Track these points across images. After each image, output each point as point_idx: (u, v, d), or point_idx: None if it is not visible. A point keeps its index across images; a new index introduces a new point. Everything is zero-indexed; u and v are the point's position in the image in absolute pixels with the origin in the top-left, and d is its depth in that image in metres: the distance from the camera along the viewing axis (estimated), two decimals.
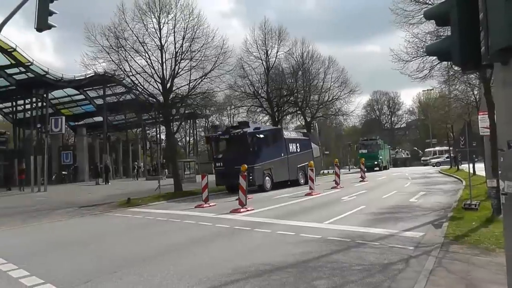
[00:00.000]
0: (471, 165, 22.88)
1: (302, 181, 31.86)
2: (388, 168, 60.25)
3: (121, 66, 28.21)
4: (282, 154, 30.48)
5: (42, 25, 15.44)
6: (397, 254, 9.40)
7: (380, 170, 55.28)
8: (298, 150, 32.51)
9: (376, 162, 55.18)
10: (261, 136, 27.69)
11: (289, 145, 31.61)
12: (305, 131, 37.45)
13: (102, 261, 9.70)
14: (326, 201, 20.78)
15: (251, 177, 25.25)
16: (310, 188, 24.35)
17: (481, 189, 20.59)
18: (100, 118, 57.16)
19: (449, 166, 51.70)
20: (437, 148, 74.39)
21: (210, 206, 20.05)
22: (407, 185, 28.96)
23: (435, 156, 70.63)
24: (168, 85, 28.90)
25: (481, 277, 7.66)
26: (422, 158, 73.92)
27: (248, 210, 17.62)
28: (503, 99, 4.70)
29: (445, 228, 11.94)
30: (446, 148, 70.59)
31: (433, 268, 8.11)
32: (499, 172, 4.87)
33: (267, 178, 28.37)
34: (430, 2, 17.75)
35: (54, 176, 48.02)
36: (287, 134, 32.99)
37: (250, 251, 10.28)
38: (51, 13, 15.53)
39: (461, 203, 16.13)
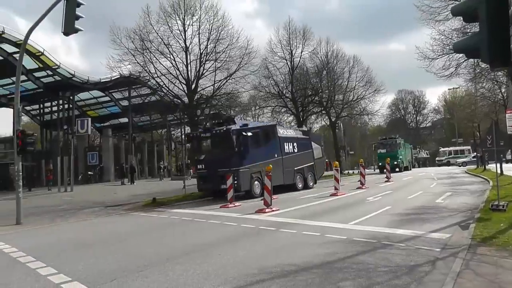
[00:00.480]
0: (498, 165, 22.56)
1: (300, 186, 28.98)
2: (410, 169, 57.81)
3: (146, 68, 28.66)
4: (276, 155, 26.89)
5: (69, 29, 15.73)
6: (424, 255, 9.33)
7: (400, 171, 52.41)
8: (296, 151, 29.01)
9: (395, 162, 51.44)
10: (249, 134, 24.26)
11: (284, 145, 28.13)
12: (305, 129, 33.33)
13: (127, 260, 9.84)
14: (351, 202, 20.72)
15: (235, 182, 22.62)
16: (335, 189, 24.30)
17: (509, 189, 20.27)
18: (125, 119, 57.87)
19: (476, 166, 50.94)
20: (452, 148, 73.78)
21: (235, 206, 20.15)
22: (433, 186, 28.62)
23: (450, 156, 70.15)
24: (193, 86, 29.22)
25: (510, 280, 7.55)
26: (437, 158, 72.95)
27: (273, 210, 17.65)
28: None
29: (472, 230, 11.77)
30: (464, 148, 70.31)
31: (460, 271, 8.01)
32: None
33: (256, 182, 24.72)
34: None
35: (80, 176, 48.76)
36: (282, 132, 29.22)
37: (275, 251, 10.31)
38: (77, 17, 15.80)
39: (489, 204, 15.88)
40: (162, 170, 56.94)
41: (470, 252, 9.35)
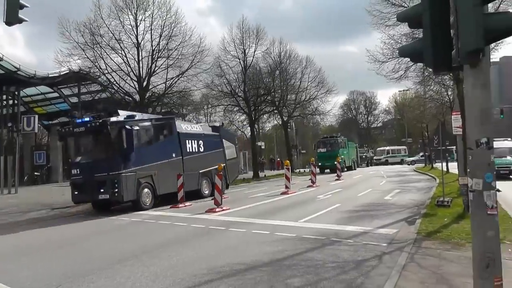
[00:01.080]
0: (444, 164, 23.24)
1: (206, 192, 23.99)
2: (355, 169, 55.42)
3: (96, 64, 28.05)
4: (174, 155, 22.02)
5: (12, 18, 14.63)
6: (371, 250, 9.51)
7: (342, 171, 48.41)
8: (202, 150, 24.13)
9: (336, 163, 45.72)
10: (135, 127, 19.29)
11: (186, 143, 23.13)
12: (217, 124, 27.99)
13: (74, 265, 9.50)
14: (302, 200, 20.88)
15: (115, 190, 18.55)
16: (286, 187, 24.45)
17: (453, 186, 20.93)
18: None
19: (424, 164, 52.54)
20: (389, 147, 77.77)
21: (186, 206, 19.92)
22: (382, 183, 29.28)
23: (388, 155, 73.27)
24: (145, 83, 28.79)
25: (451, 271, 7.81)
26: (375, 157, 74.69)
27: (223, 210, 17.59)
28: (472, 100, 4.83)
29: (418, 225, 12.14)
30: (400, 147, 75.92)
31: (406, 264, 8.22)
32: (468, 170, 4.97)
33: (145, 190, 19.93)
34: (405, 5, 17.97)
35: (26, 177, 47.13)
36: (184, 127, 24.19)
37: (225, 250, 10.25)
38: (22, 6, 14.85)
39: (434, 200, 16.40)
40: None
41: (415, 246, 9.61)
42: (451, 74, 18.30)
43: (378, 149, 79.14)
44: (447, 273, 7.70)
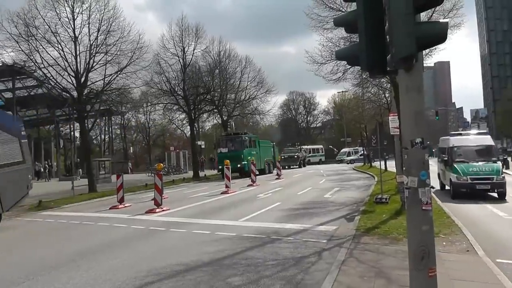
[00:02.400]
0: (382, 162, 23.93)
1: None
2: (270, 172, 46.36)
3: (31, 57, 26.89)
4: None
5: None
6: (311, 247, 9.68)
7: (248, 175, 35.16)
8: None
9: (238, 165, 39.01)
10: None
11: None
12: None
13: (8, 271, 9.03)
14: (242, 199, 20.97)
15: None
16: (226, 187, 24.45)
17: (391, 184, 21.64)
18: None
19: (363, 163, 53.96)
20: (310, 147, 79.44)
21: (125, 207, 19.51)
22: (322, 182, 29.81)
23: (310, 155, 74.07)
24: (83, 79, 27.90)
25: (389, 264, 8.08)
26: (337, 157, 76.19)
27: (163, 210, 17.37)
28: (407, 102, 5.00)
29: (357, 221, 12.46)
30: (318, 146, 78.50)
31: (345, 259, 8.44)
32: (404, 168, 5.13)
33: None
34: (343, 10, 18.31)
35: None
36: None
37: (165, 251, 10.15)
38: None
39: (373, 198, 16.88)
40: (48, 170, 53.96)
41: (354, 242, 9.86)
42: (387, 77, 18.81)
43: (342, 150, 78.87)
44: (385, 266, 7.97)
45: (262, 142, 48.55)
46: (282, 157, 53.64)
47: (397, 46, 4.60)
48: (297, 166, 61.46)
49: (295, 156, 63.22)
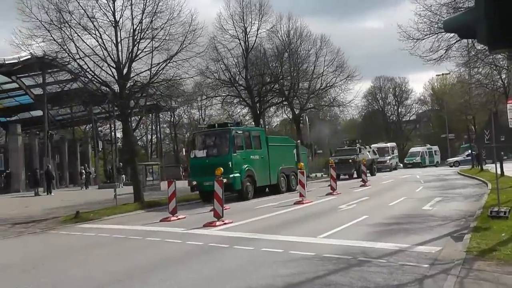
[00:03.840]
0: (498, 165, 23.13)
1: None
2: (291, 189, 33.74)
3: (65, 47, 27.80)
4: None
5: None
6: (409, 273, 9.45)
7: (244, 198, 28.78)
8: None
9: (226, 180, 22.61)
10: None
11: None
12: None
13: None
14: (320, 211, 20.92)
15: None
16: (301, 195, 24.47)
17: (511, 193, 20.85)
18: (39, 112, 56.39)
19: (471, 166, 52.29)
20: (421, 148, 78.21)
21: (179, 219, 19.93)
22: (419, 190, 29.23)
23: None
24: (125, 70, 28.59)
25: None
26: (405, 159, 75.56)
27: (225, 223, 17.59)
28: None
29: (468, 241, 12.00)
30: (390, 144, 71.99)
31: None
32: None
33: None
34: None
35: None
36: None
37: (228, 273, 10.24)
38: None
39: (487, 211, 16.23)
40: (86, 176, 55.91)
41: (465, 268, 9.51)
42: (506, 52, 18.15)
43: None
44: None
45: (274, 140, 35.83)
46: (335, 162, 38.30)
47: None
48: (351, 176, 49.40)
49: (350, 161, 48.49)
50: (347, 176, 50.01)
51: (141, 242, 15.26)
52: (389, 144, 71.88)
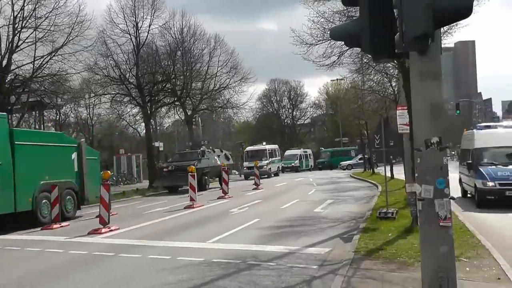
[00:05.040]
0: (388, 168, 24.07)
1: None
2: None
3: None
4: None
5: None
6: (298, 275, 9.71)
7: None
8: None
9: None
10: None
11: None
12: None
13: None
14: (211, 215, 21.02)
15: None
16: (191, 199, 24.40)
17: (400, 195, 21.85)
18: None
19: (363, 169, 54.21)
20: (298, 151, 76.37)
21: (62, 226, 19.36)
22: (312, 193, 29.97)
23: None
24: (4, 62, 27.51)
25: None
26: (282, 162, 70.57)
27: (111, 230, 17.30)
28: (421, 93, 4.99)
29: (356, 242, 12.51)
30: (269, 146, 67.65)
31: None
32: (416, 175, 5.13)
33: None
34: None
35: None
36: None
37: (113, 284, 10.11)
38: None
39: (376, 212, 16.94)
40: None
41: (352, 268, 9.89)
42: (395, 61, 18.85)
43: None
44: None
45: (29, 135, 23.34)
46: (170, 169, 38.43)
47: (409, 22, 4.59)
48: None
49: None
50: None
51: (19, 253, 14.67)
52: (267, 146, 61.90)
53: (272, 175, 57.36)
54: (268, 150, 60.55)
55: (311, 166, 76.30)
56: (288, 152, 75.53)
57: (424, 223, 4.97)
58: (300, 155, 74.24)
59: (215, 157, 42.26)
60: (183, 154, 42.23)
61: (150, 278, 10.16)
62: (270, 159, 59.02)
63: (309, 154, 78.69)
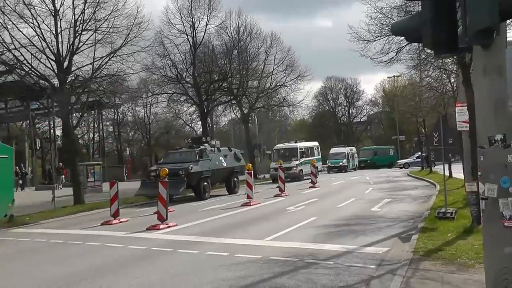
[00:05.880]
0: (446, 166, 23.64)
1: None
2: None
3: None
4: None
5: None
6: (356, 274, 9.62)
7: None
8: None
9: None
10: None
11: None
12: None
13: None
14: (268, 213, 21.06)
15: None
16: (248, 197, 24.59)
17: (458, 194, 21.44)
18: None
19: (420, 167, 53.46)
20: (344, 149, 73.54)
21: (121, 222, 19.71)
22: (368, 191, 29.68)
23: None
24: (66, 63, 28.02)
25: None
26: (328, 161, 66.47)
27: (169, 226, 17.51)
28: (484, 89, 4.87)
29: (415, 242, 12.33)
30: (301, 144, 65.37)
31: None
32: (479, 173, 5.03)
33: None
34: None
35: None
36: None
37: (172, 278, 10.20)
38: None
39: (435, 212, 16.67)
40: (21, 177, 54.48)
41: (411, 268, 9.75)
42: (455, 57, 18.49)
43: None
44: None
45: None
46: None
47: (473, 15, 4.48)
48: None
49: (181, 173, 28.86)
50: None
51: (81, 247, 14.99)
52: (299, 144, 52.06)
53: (303, 178, 45.97)
54: (300, 149, 50.00)
55: (356, 165, 70.70)
56: (333, 150, 68.62)
57: (487, 223, 4.86)
58: (347, 153, 67.57)
59: (220, 158, 33.81)
60: (177, 154, 32.80)
61: (208, 274, 10.24)
62: (302, 159, 48.39)
63: (354, 153, 72.78)
